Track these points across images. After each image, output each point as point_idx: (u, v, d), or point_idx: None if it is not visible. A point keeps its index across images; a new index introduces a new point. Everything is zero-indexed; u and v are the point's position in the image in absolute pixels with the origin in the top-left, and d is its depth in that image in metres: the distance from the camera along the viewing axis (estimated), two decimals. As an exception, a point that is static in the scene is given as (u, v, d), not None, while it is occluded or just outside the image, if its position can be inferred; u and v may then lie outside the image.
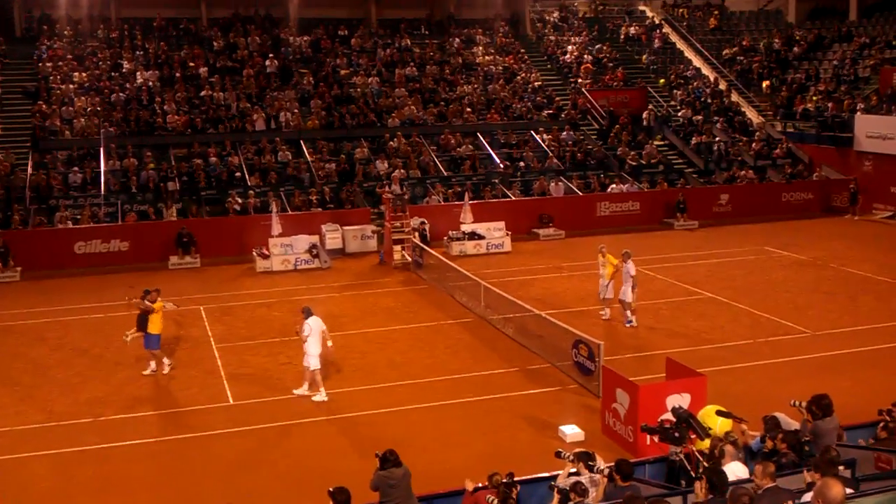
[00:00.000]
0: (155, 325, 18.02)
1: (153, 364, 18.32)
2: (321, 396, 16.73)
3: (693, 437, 11.17)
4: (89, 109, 35.07)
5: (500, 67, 42.53)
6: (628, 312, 20.98)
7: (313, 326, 16.77)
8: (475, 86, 40.69)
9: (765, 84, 43.65)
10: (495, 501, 9.52)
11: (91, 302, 24.16)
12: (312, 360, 16.67)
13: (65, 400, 17.00)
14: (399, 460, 10.70)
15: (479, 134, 37.71)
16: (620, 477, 9.95)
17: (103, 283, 26.46)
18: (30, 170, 31.91)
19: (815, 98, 40.55)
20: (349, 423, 15.63)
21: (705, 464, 9.95)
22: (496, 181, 34.68)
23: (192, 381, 17.83)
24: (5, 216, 29.48)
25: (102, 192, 31.28)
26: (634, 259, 20.84)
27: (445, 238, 30.32)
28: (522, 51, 44.60)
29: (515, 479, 10.32)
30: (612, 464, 10.32)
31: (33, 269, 27.45)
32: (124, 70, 37.76)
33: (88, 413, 16.29)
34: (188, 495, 12.87)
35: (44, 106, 34.63)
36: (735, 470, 9.96)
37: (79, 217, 29.81)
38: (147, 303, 18.03)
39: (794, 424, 11.21)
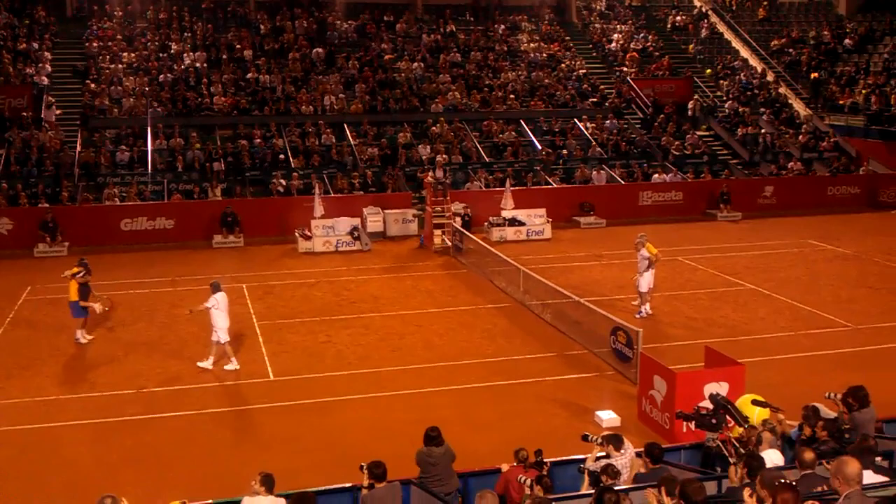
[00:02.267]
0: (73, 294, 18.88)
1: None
2: (233, 365, 17.36)
3: (731, 424, 11.16)
4: (137, 89, 35.57)
5: (545, 55, 42.41)
6: (638, 301, 20.94)
7: (221, 301, 17.19)
8: (519, 73, 40.62)
9: (813, 76, 43.05)
10: (528, 480, 9.57)
11: (136, 278, 24.61)
12: (222, 335, 17.22)
13: (108, 372, 17.35)
14: (441, 439, 10.83)
15: (522, 121, 37.68)
16: (650, 460, 9.97)
17: (148, 259, 26.92)
18: (79, 147, 32.50)
19: (864, 91, 39.95)
20: (385, 402, 15.77)
21: (742, 450, 9.96)
22: (538, 168, 34.63)
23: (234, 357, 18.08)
24: (54, 192, 30.04)
25: (149, 171, 31.77)
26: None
27: (486, 224, 30.35)
28: (567, 38, 44.41)
29: (546, 459, 10.40)
30: (642, 448, 10.35)
31: (80, 245, 27.89)
32: (172, 51, 38.23)
33: (131, 385, 16.60)
34: (227, 466, 13.08)
35: (93, 85, 35.22)
36: (772, 457, 9.92)
37: (126, 195, 30.32)
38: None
39: (833, 416, 11.15)
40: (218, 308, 17.13)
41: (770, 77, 42.86)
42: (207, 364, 17.39)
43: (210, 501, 10.06)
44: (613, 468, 9.51)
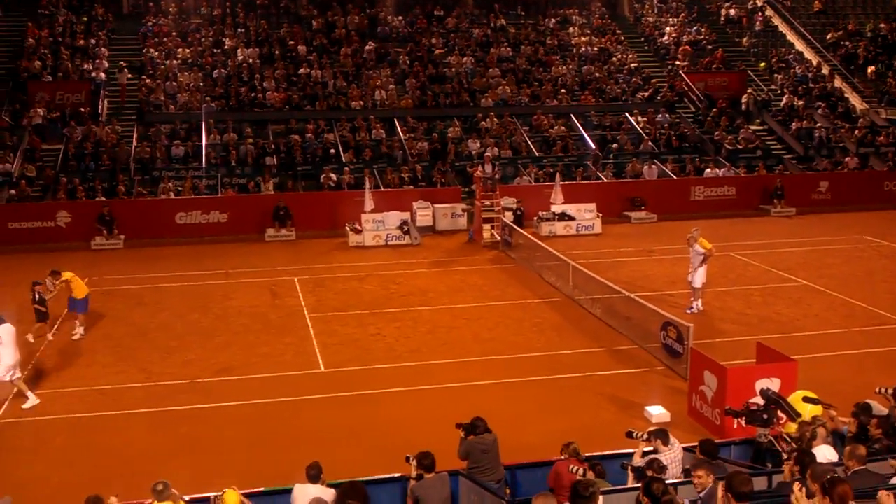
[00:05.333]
0: (80, 291, 19.07)
1: (80, 328, 19.29)
2: (31, 402, 15.44)
3: (783, 419, 11.06)
4: (192, 85, 36.11)
5: (596, 48, 42.15)
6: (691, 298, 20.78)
7: (5, 334, 15.03)
8: (570, 66, 40.43)
9: (870, 69, 42.24)
10: (580, 470, 9.57)
11: (190, 270, 25.01)
12: (9, 372, 15.11)
13: (163, 362, 17.67)
14: (488, 427, 10.88)
15: (572, 115, 37.51)
16: (706, 456, 9.91)
17: (202, 252, 27.36)
18: (134, 142, 33.09)
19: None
20: (434, 395, 15.87)
21: (794, 445, 9.87)
22: (588, 163, 34.47)
23: (286, 349, 18.34)
24: (111, 186, 30.65)
25: (203, 165, 32.26)
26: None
27: (535, 218, 30.29)
28: (619, 32, 44.08)
29: (595, 453, 10.42)
30: (696, 444, 10.29)
31: (136, 238, 28.51)
32: (226, 47, 38.71)
33: (185, 375, 16.91)
34: (277, 456, 13.26)
35: (148, 81, 35.80)
36: (825, 453, 9.83)
37: (180, 188, 30.83)
38: (57, 284, 19.04)
39: (885, 412, 11.00)
40: (3, 344, 14.98)
41: (826, 70, 42.14)
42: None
43: (261, 489, 10.24)
44: (659, 462, 9.48)
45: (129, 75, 35.90)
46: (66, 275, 19.11)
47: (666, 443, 10.22)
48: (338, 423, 14.71)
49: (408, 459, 9.99)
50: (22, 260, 25.90)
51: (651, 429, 10.70)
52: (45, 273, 19.45)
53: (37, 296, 18.80)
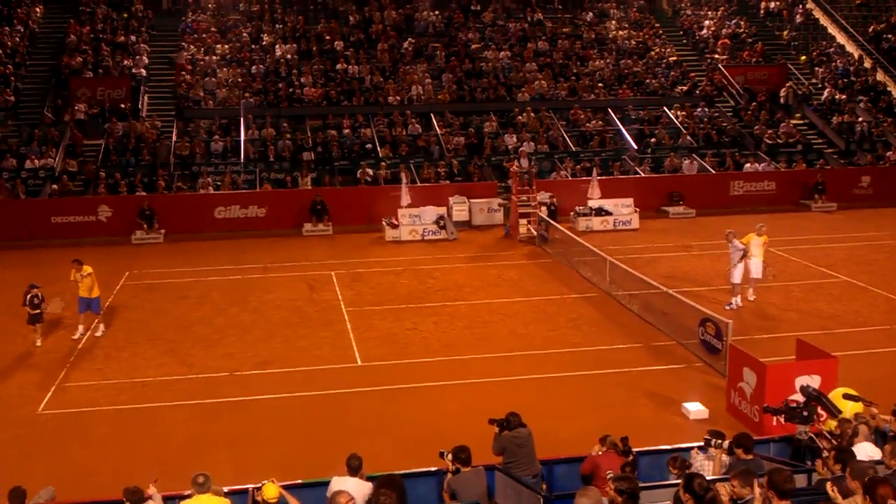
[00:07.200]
0: (95, 290, 18.91)
1: (99, 326, 19.25)
2: None
3: (823, 417, 10.95)
4: (230, 80, 36.39)
5: (634, 42, 41.86)
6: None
7: None
8: (607, 60, 40.19)
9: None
10: (612, 475, 9.53)
11: (229, 264, 25.25)
12: None
13: (204, 355, 17.88)
14: (522, 421, 10.87)
15: (609, 110, 37.29)
16: (742, 450, 9.85)
17: (241, 246, 27.58)
18: (174, 137, 33.42)
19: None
20: (470, 389, 15.90)
21: (834, 442, 9.77)
22: (626, 157, 34.27)
23: (323, 342, 18.48)
24: (151, 181, 31.00)
25: (242, 161, 32.51)
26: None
27: (572, 213, 30.19)
28: (657, 25, 43.73)
29: (633, 448, 10.39)
30: (732, 438, 10.23)
31: (176, 232, 28.83)
32: (264, 43, 38.97)
33: (225, 367, 17.09)
34: (315, 448, 13.37)
35: (188, 76, 36.13)
36: (867, 450, 9.72)
37: (219, 183, 31.11)
38: (82, 276, 18.73)
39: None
40: None
41: (868, 64, 41.51)
42: None
43: (299, 481, 10.32)
44: (682, 458, 9.61)
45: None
46: (87, 269, 18.90)
47: (722, 446, 10.10)
48: (374, 416, 14.80)
49: (442, 455, 10.01)
50: (64, 254, 26.16)
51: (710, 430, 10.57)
52: (72, 266, 19.21)
53: (36, 300, 18.59)
